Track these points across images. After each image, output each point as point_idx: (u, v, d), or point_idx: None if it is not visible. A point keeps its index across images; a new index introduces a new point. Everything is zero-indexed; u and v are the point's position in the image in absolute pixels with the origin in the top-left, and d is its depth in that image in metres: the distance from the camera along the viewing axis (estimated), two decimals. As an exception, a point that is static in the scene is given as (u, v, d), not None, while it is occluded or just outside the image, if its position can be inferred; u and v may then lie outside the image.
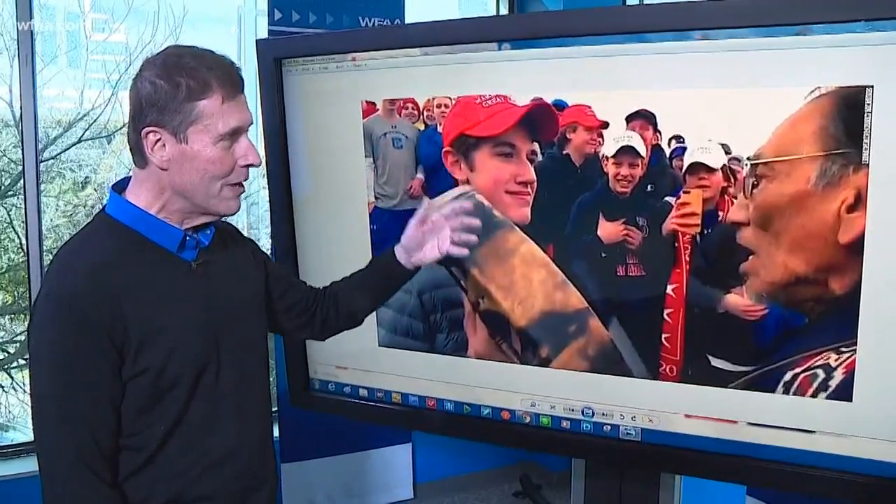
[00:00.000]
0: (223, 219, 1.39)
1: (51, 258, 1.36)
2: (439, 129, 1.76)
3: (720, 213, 1.54)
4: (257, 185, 3.75)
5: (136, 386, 1.25)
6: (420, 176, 1.82)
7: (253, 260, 1.52)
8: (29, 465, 3.04)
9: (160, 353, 1.26)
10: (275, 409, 3.21)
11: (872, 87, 1.36)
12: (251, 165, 1.30)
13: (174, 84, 1.22)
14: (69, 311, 1.21)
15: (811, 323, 1.50)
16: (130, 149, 1.30)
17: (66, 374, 1.22)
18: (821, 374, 1.50)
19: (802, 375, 1.52)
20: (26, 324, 3.47)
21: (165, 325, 1.27)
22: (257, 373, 1.46)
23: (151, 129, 1.24)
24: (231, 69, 1.27)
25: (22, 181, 3.07)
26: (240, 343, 1.39)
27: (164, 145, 1.25)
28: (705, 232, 1.56)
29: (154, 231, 1.30)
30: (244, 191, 1.34)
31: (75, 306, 1.21)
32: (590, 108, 1.61)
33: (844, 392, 1.48)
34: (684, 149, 1.54)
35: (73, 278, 1.23)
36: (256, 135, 3.17)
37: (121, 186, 1.34)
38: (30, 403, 1.28)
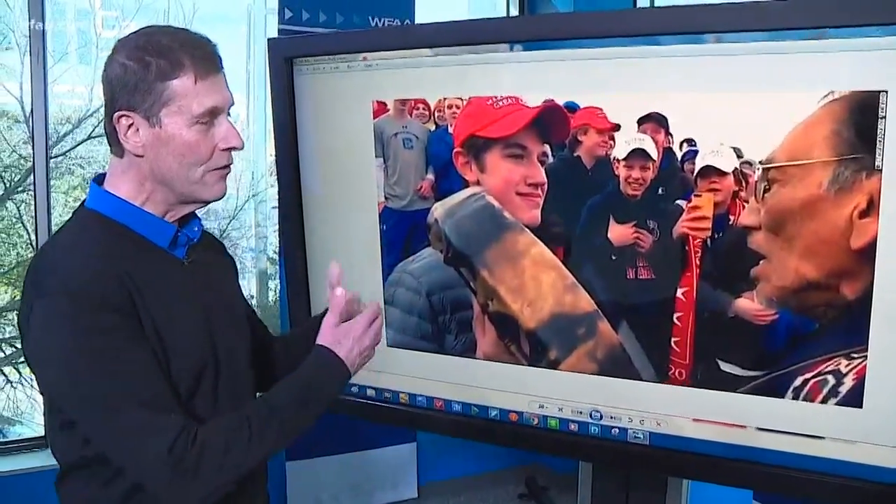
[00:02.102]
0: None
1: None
2: (450, 129, 1.76)
3: (731, 217, 1.53)
4: (265, 184, 3.77)
5: None
6: (430, 177, 1.82)
7: (232, 269, 1.48)
8: (37, 460, 3.05)
9: (163, 355, 1.20)
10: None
11: (887, 92, 1.35)
12: (232, 148, 1.24)
13: (144, 64, 1.16)
14: (88, 299, 1.13)
15: (822, 328, 1.49)
16: (107, 137, 1.25)
17: (107, 356, 1.13)
18: (831, 379, 1.49)
19: (812, 381, 1.51)
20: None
21: (167, 325, 1.21)
22: (249, 380, 1.42)
23: (123, 113, 1.18)
24: (206, 46, 1.21)
25: (32, 177, 3.09)
26: (234, 347, 1.35)
27: (137, 130, 1.19)
28: (716, 236, 1.55)
29: (144, 226, 1.24)
30: (230, 172, 1.28)
31: (92, 294, 1.13)
32: (601, 110, 1.60)
33: (854, 398, 1.47)
34: (696, 152, 1.53)
35: (79, 273, 1.16)
36: (265, 133, 3.18)
37: (102, 178, 1.28)
38: (78, 410, 1.17)
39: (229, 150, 1.24)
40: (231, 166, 1.27)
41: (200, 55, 1.19)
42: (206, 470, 1.13)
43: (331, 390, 1.34)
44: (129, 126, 1.19)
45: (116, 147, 1.23)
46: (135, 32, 1.21)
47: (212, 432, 1.16)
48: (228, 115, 1.26)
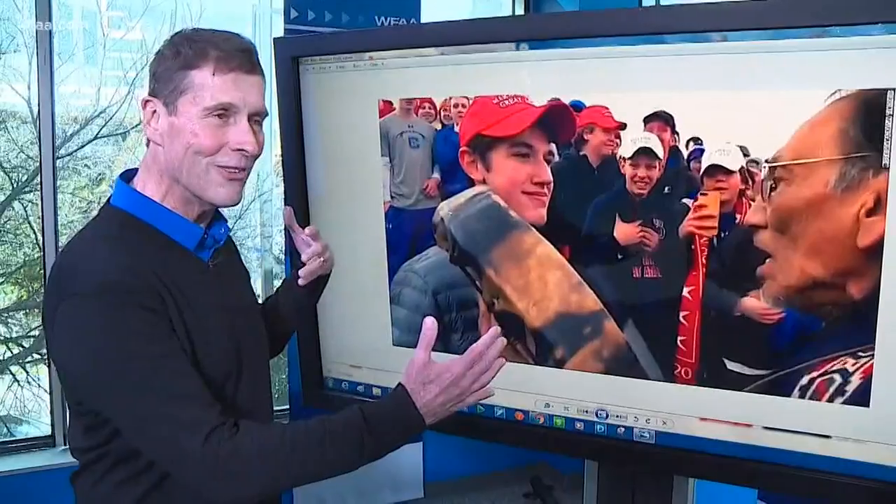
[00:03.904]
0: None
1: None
2: (456, 128, 1.76)
3: (737, 216, 1.53)
4: (270, 184, 3.77)
5: None
6: (436, 176, 1.82)
7: (247, 273, 1.48)
8: (44, 458, 3.06)
9: (192, 358, 1.18)
10: (287, 407, 3.22)
11: (894, 89, 1.35)
12: (242, 150, 1.20)
13: (175, 52, 1.18)
14: (115, 295, 1.11)
15: (828, 327, 1.49)
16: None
17: (139, 349, 1.11)
18: (837, 378, 1.49)
19: (819, 380, 1.51)
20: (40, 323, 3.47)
21: (195, 328, 1.19)
22: (267, 384, 1.42)
23: (149, 98, 1.20)
24: (238, 45, 1.20)
25: (38, 177, 3.10)
26: (255, 352, 1.34)
27: (157, 117, 1.20)
28: (722, 235, 1.55)
29: (170, 226, 1.23)
30: (240, 179, 1.24)
31: (120, 289, 1.12)
32: (607, 109, 1.60)
33: (861, 397, 1.47)
34: (702, 151, 1.53)
35: (105, 270, 1.14)
36: (271, 133, 3.19)
37: (129, 175, 1.27)
38: (110, 406, 1.16)
39: (239, 151, 1.21)
40: (242, 172, 1.23)
41: (227, 50, 1.19)
42: (236, 471, 1.11)
43: (395, 438, 1.22)
44: (153, 113, 1.21)
45: (147, 137, 1.25)
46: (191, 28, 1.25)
47: (248, 438, 1.12)
48: (259, 122, 1.24)
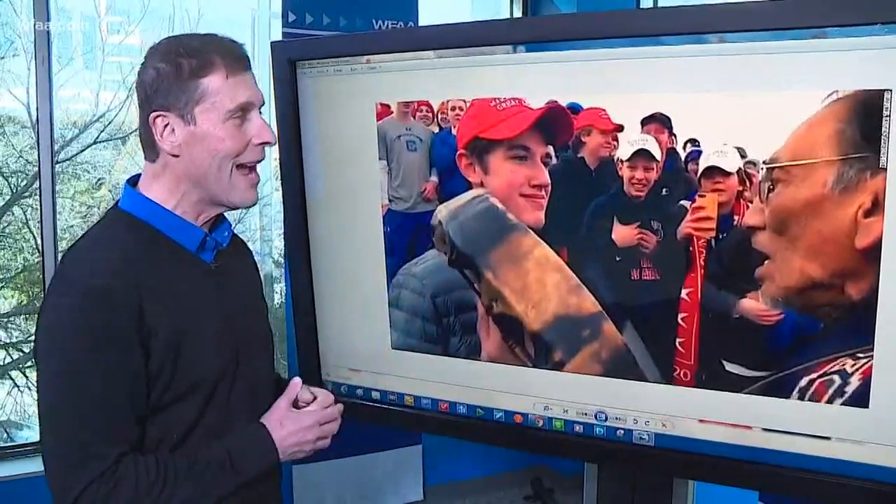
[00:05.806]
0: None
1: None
2: (453, 131, 1.76)
3: (735, 218, 1.53)
4: (270, 187, 3.77)
5: (152, 391, 1.21)
6: (434, 178, 1.82)
7: (257, 276, 1.50)
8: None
9: (180, 360, 1.21)
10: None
11: (891, 90, 1.35)
12: (265, 143, 1.27)
13: (175, 65, 1.20)
14: (99, 303, 1.15)
15: (827, 328, 1.49)
16: (141, 142, 1.28)
17: (99, 361, 1.15)
18: (836, 379, 1.49)
19: (818, 381, 1.50)
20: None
21: (187, 329, 1.22)
22: (268, 383, 1.44)
23: (159, 113, 1.21)
24: (234, 46, 1.25)
25: (38, 182, 3.10)
26: (255, 353, 1.36)
27: (172, 130, 1.22)
28: (720, 236, 1.55)
29: (173, 229, 1.27)
30: (258, 180, 1.31)
31: (104, 301, 1.15)
32: (605, 111, 1.60)
33: (860, 398, 1.47)
34: (700, 152, 1.53)
35: (97, 275, 1.17)
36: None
37: (135, 180, 1.31)
38: (42, 406, 1.23)
39: (262, 145, 1.27)
40: (257, 174, 1.31)
41: (229, 53, 1.23)
42: None
43: (252, 468, 1.30)
44: (165, 126, 1.22)
45: (150, 150, 1.26)
46: (165, 39, 1.26)
47: (128, 481, 1.16)
48: (260, 112, 1.29)
